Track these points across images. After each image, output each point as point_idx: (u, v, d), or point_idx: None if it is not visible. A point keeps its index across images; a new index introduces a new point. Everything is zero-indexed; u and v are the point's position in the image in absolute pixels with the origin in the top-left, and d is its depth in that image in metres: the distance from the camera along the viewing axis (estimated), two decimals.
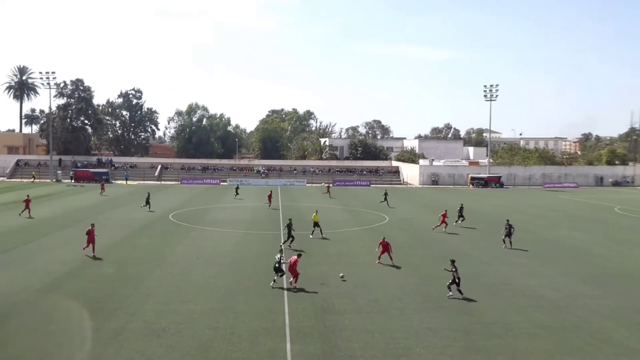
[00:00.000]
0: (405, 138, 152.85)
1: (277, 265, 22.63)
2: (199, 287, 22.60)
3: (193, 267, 26.15)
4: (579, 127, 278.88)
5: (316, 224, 35.45)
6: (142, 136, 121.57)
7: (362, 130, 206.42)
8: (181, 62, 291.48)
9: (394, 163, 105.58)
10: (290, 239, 31.19)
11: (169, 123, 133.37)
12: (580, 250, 32.10)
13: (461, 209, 41.59)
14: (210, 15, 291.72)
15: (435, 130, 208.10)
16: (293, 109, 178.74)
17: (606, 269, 27.16)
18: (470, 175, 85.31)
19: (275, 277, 22.60)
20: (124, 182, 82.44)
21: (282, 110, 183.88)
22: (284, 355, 15.63)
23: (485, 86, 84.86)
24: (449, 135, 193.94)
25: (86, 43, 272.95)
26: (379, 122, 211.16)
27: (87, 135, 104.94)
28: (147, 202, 48.50)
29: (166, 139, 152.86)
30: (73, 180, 79.84)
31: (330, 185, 74.42)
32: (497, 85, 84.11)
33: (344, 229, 39.18)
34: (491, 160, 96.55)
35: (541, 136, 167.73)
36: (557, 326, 18.39)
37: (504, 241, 32.48)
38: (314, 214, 36.81)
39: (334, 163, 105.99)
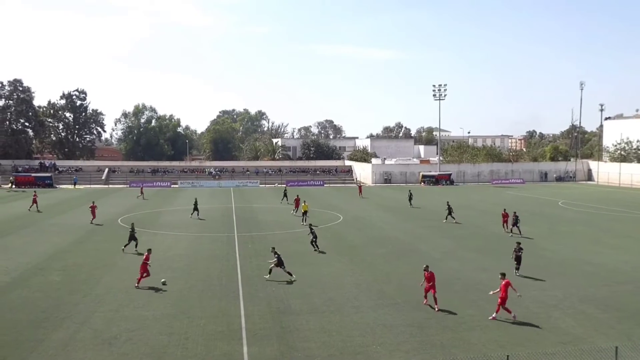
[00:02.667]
0: (357, 137, 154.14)
1: (131, 232, 28.18)
2: (151, 292, 22.02)
3: None
4: (525, 125, 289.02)
5: (305, 213, 41.59)
6: (88, 138, 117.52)
7: (315, 130, 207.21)
8: (126, 62, 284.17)
9: (347, 162, 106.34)
10: (134, 242, 30.31)
11: (115, 125, 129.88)
12: (528, 243, 33.13)
13: (449, 207, 42.18)
14: (154, 12, 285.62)
15: (387, 130, 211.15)
16: (244, 109, 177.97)
17: (552, 261, 28.21)
18: (421, 173, 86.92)
19: (128, 244, 28.98)
20: (69, 186, 79.45)
21: (234, 110, 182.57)
22: (241, 358, 15.44)
23: (434, 86, 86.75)
24: (400, 134, 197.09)
25: (23, 42, 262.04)
26: (331, 122, 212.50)
27: (28, 139, 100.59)
28: (196, 209, 45.11)
29: (113, 141, 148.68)
30: (13, 186, 76.25)
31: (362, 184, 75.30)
32: (445, 85, 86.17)
33: (299, 229, 39.11)
34: (441, 158, 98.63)
35: (488, 134, 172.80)
36: (507, 318, 18.93)
37: (511, 230, 35.52)
38: (304, 204, 42.66)
39: (286, 163, 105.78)
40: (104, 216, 44.90)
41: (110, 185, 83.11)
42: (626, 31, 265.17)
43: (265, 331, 17.58)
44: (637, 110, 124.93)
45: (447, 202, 43.63)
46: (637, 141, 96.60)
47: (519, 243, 25.93)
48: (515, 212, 36.23)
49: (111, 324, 18.09)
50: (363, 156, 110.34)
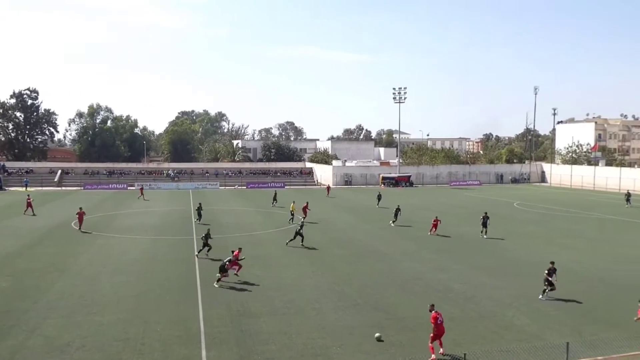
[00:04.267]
0: (318, 139, 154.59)
1: (204, 240, 26.32)
2: (105, 297, 21.40)
3: (99, 277, 24.73)
4: (484, 127, 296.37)
5: (292, 213, 42.57)
6: (39, 139, 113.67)
7: (275, 131, 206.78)
8: (81, 61, 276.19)
9: (308, 164, 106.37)
10: (207, 248, 29.23)
11: (69, 125, 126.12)
12: (484, 243, 33.93)
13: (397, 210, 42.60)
14: (110, 10, 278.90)
15: (348, 132, 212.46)
16: (204, 110, 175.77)
17: (508, 261, 28.90)
18: (381, 175, 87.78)
19: (201, 249, 27.06)
20: (21, 188, 76.54)
21: (193, 111, 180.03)
22: None
23: (394, 89, 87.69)
24: (361, 137, 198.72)
25: None
26: (292, 123, 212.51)
27: None
28: (199, 214, 43.07)
29: (67, 142, 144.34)
30: None
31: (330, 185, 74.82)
32: (405, 88, 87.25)
33: (259, 231, 38.84)
34: (401, 160, 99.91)
35: (447, 137, 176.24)
36: (465, 317, 19.29)
37: (481, 231, 35.82)
38: (292, 204, 44.06)
39: (247, 165, 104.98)
40: (57, 219, 43.47)
41: (64, 188, 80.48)
42: (578, 37, 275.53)
43: (224, 335, 17.33)
44: (587, 115, 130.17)
45: (398, 205, 44.18)
46: (587, 144, 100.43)
47: (552, 262, 22.10)
48: (485, 213, 36.96)
49: (63, 331, 17.47)
50: (324, 158, 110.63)
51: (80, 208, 39.70)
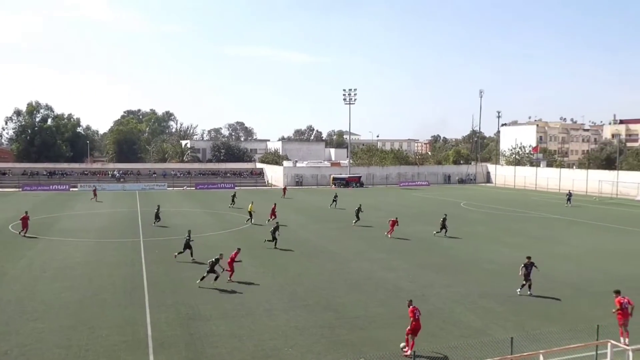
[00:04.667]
0: (269, 140, 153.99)
1: (210, 266, 22.79)
2: (46, 303, 20.48)
3: (39, 282, 23.67)
4: (432, 129, 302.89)
5: (251, 214, 42.48)
6: None
7: (225, 132, 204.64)
8: (19, 57, 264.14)
9: (258, 165, 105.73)
10: (189, 250, 28.15)
11: (6, 124, 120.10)
12: (433, 243, 34.64)
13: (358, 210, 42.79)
14: (52, 4, 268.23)
15: (298, 132, 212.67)
16: (151, 109, 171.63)
17: (455, 259, 29.59)
18: (332, 176, 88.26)
19: (205, 275, 22.77)
20: None
21: (139, 111, 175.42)
22: None
23: (344, 90, 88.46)
24: (312, 137, 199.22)
25: None
26: (242, 124, 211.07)
27: None
28: (157, 217, 41.37)
29: (3, 141, 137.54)
30: None
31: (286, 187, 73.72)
32: (355, 89, 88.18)
33: (209, 232, 38.23)
34: (351, 161, 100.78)
35: (396, 138, 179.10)
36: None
37: (444, 232, 36.32)
38: (250, 204, 43.73)
39: (196, 166, 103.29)
40: None
41: (0, 189, 76.70)
42: (522, 42, 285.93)
43: (173, 339, 16.92)
44: (529, 118, 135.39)
45: (360, 205, 44.51)
46: (530, 146, 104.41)
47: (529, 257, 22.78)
48: (445, 214, 37.51)
49: (1, 339, 16.59)
50: (275, 159, 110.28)
51: (26, 212, 37.30)
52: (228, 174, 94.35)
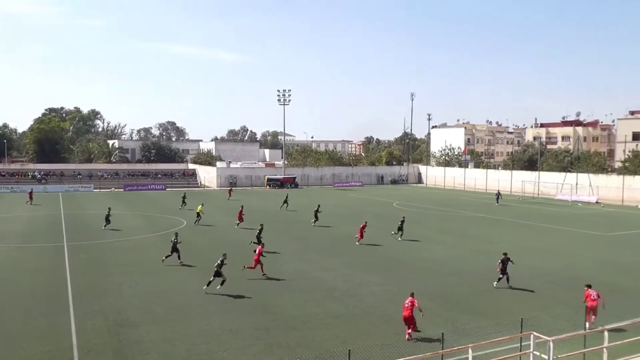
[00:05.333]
0: (201, 140, 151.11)
1: (217, 268, 22.15)
2: None
3: None
4: (365, 131, 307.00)
5: (199, 215, 42.20)
6: None
7: (156, 131, 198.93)
8: None
9: (191, 166, 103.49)
10: (177, 253, 27.50)
11: None
12: (367, 242, 35.10)
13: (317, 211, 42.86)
14: None
15: (232, 133, 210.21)
16: (75, 107, 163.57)
17: (388, 258, 30.15)
18: (266, 177, 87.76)
19: (212, 280, 22.02)
20: None
21: (62, 108, 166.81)
22: None
23: (278, 91, 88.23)
24: (246, 138, 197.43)
25: None
26: (174, 123, 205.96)
27: None
28: (107, 220, 39.54)
29: None
30: None
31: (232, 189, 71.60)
32: (290, 90, 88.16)
33: (138, 235, 36.92)
34: (286, 162, 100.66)
35: (330, 139, 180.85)
36: (349, 314, 19.78)
37: (396, 233, 36.24)
38: (200, 205, 43.78)
39: (124, 166, 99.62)
40: None
41: None
42: (450, 46, 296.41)
43: (100, 347, 16.17)
44: (457, 120, 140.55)
45: (318, 205, 44.71)
46: (458, 148, 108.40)
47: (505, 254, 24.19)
48: (403, 217, 37.74)
49: None
50: (208, 159, 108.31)
51: None
52: (159, 175, 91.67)
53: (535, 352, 13.73)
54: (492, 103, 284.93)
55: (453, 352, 13.96)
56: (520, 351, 14.35)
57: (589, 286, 19.02)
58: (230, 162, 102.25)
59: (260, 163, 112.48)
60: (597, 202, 64.81)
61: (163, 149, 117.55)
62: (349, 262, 28.82)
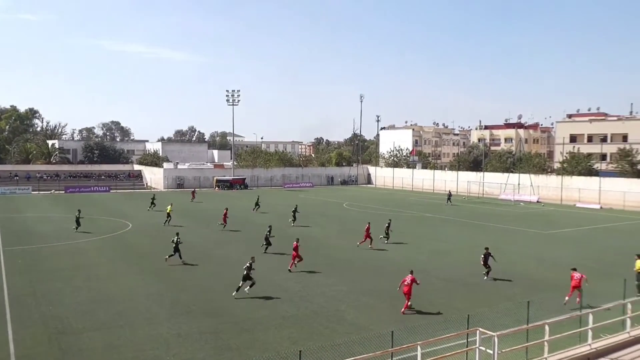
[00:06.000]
0: (147, 141, 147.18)
1: (245, 271, 21.64)
2: None
3: None
4: (315, 131, 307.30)
5: (169, 215, 42.15)
6: None
7: (99, 131, 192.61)
8: None
9: (136, 167, 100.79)
10: (179, 253, 27.72)
11: None
12: (319, 243, 35.18)
13: (295, 210, 43.19)
14: None
15: (179, 133, 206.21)
16: (11, 106, 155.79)
17: (339, 259, 30.29)
18: (215, 178, 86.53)
19: (241, 285, 21.54)
20: None
21: None
22: None
23: (227, 91, 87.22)
24: (194, 139, 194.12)
25: None
26: (118, 123, 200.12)
27: None
28: (78, 223, 38.35)
29: None
30: None
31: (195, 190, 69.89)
32: (239, 90, 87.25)
33: (80, 239, 35.57)
34: (235, 163, 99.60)
35: (280, 140, 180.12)
36: (300, 315, 19.73)
37: (384, 236, 35.76)
38: (169, 206, 43.54)
39: (65, 167, 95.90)
40: None
41: None
42: (398, 49, 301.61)
43: (40, 356, 15.46)
44: (405, 122, 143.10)
45: (296, 205, 44.67)
46: (407, 149, 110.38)
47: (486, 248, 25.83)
48: (389, 220, 37.88)
49: None
50: (154, 160, 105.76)
51: None
52: (102, 176, 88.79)
53: (480, 348, 14.09)
54: (439, 105, 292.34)
55: (402, 349, 14.14)
56: (467, 347, 14.69)
57: (574, 269, 21.05)
58: (177, 163, 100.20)
59: (208, 164, 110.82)
60: (537, 202, 67.55)
61: (107, 150, 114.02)
62: (302, 263, 28.70)
